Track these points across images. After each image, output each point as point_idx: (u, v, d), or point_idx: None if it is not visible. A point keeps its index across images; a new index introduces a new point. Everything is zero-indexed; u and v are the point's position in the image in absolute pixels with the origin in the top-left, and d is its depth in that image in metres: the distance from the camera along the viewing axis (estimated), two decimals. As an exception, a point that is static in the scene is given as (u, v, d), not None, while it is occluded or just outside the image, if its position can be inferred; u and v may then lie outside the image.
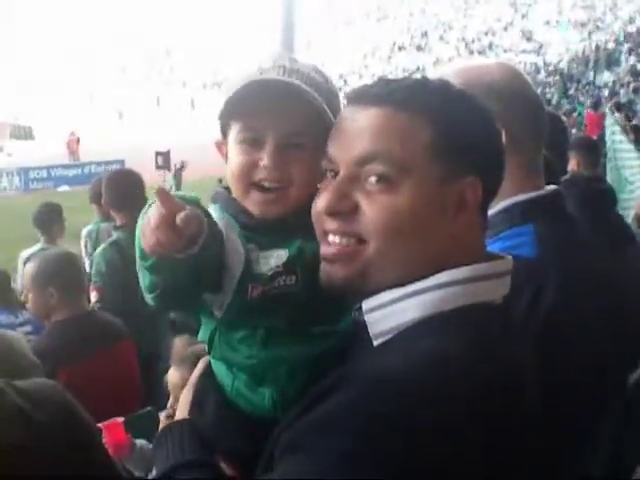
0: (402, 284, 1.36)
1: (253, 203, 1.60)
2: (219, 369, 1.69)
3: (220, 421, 1.64)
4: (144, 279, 1.53)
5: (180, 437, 1.62)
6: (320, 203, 1.42)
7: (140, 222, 1.45)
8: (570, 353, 1.71)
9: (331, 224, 1.41)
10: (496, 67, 2.00)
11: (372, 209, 1.36)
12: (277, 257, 1.56)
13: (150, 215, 1.37)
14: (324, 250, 1.44)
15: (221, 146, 1.70)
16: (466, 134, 1.39)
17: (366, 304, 1.39)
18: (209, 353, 1.69)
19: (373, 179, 1.36)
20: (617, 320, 1.92)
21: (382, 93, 1.41)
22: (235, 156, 1.62)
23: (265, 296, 1.54)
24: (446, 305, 1.33)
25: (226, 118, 1.65)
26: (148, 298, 1.56)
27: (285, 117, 1.57)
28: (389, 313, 1.35)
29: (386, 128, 1.38)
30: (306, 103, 1.56)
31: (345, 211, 1.39)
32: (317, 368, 1.50)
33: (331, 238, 1.42)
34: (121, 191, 5.48)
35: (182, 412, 1.71)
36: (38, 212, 7.35)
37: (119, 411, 3.32)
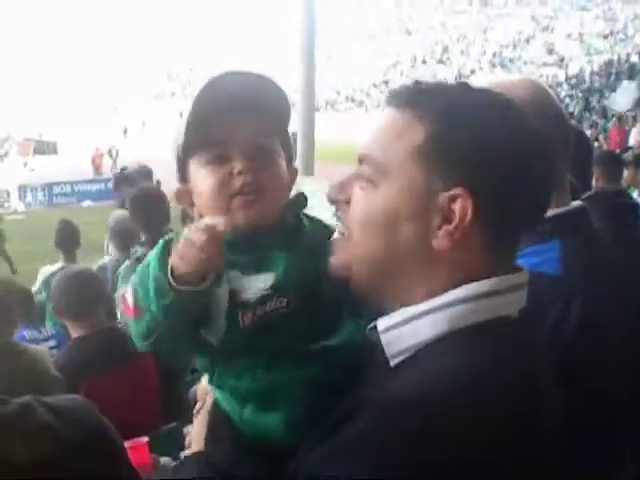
0: (391, 293, 1.38)
1: (237, 210, 1.57)
2: (224, 398, 1.63)
3: (235, 451, 1.58)
4: (139, 325, 1.54)
5: (192, 472, 1.62)
6: (328, 190, 1.48)
7: (173, 251, 1.47)
8: (600, 369, 1.70)
9: (336, 212, 1.48)
10: (520, 83, 2.00)
11: (353, 205, 1.41)
12: (264, 280, 1.53)
13: (194, 236, 1.41)
14: None
15: (183, 193, 1.69)
16: (463, 141, 1.31)
17: (381, 324, 1.37)
18: (210, 383, 1.67)
19: (363, 177, 1.40)
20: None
21: (398, 93, 1.43)
22: (205, 179, 1.59)
23: (259, 321, 1.52)
24: (461, 322, 1.30)
25: (184, 155, 1.65)
26: (142, 346, 1.57)
27: (248, 119, 1.59)
28: (404, 332, 1.33)
29: (384, 128, 1.41)
30: (267, 100, 1.60)
31: (340, 201, 1.46)
32: (326, 385, 1.48)
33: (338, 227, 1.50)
34: (147, 210, 5.58)
35: (197, 443, 1.68)
36: (57, 231, 7.43)
37: (139, 426, 3.33)
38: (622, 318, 1.84)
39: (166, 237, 1.52)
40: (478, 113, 1.34)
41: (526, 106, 1.65)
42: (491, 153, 1.32)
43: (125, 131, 55.66)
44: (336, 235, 1.51)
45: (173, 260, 1.44)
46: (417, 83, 1.44)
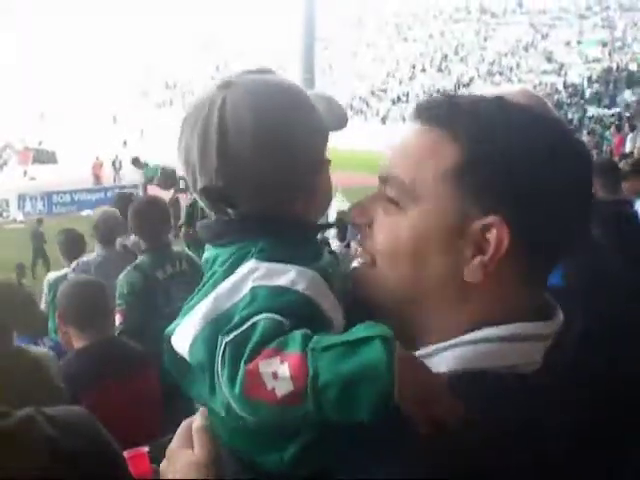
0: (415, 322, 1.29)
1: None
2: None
3: None
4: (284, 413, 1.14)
5: None
6: (349, 213, 1.38)
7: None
8: (602, 385, 1.70)
9: (360, 237, 1.37)
10: (519, 94, 2.00)
11: (376, 230, 1.31)
12: None
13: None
14: None
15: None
16: (502, 165, 1.20)
17: None
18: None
19: (386, 199, 1.30)
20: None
21: (427, 107, 1.31)
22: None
23: None
24: (471, 364, 1.22)
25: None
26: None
27: None
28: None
29: (412, 146, 1.29)
30: None
31: (362, 224, 1.35)
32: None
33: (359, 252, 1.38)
34: (146, 218, 5.61)
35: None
36: (61, 239, 7.45)
37: (139, 437, 3.31)
38: (623, 330, 1.84)
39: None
40: (519, 134, 1.23)
41: None
42: (532, 179, 1.21)
43: (125, 143, 55.64)
44: (358, 262, 1.37)
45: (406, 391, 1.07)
46: (450, 97, 1.32)
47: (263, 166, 1.29)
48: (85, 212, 31.75)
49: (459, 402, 1.08)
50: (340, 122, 1.42)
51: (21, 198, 34.49)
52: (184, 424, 1.43)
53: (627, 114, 36.87)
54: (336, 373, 1.07)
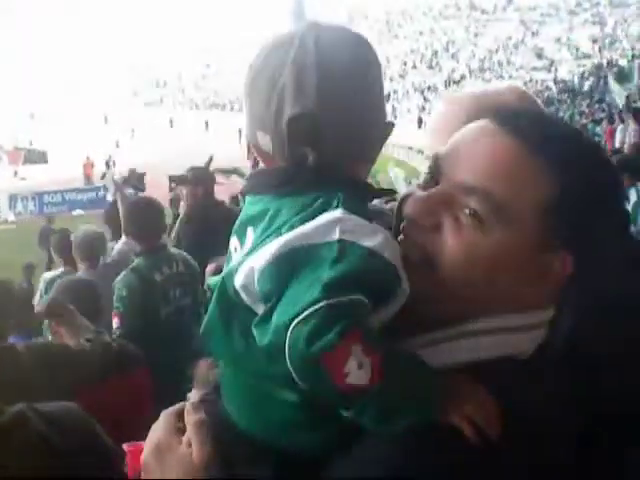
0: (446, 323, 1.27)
1: None
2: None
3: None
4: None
5: None
6: (408, 207, 1.31)
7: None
8: (596, 383, 1.69)
9: (409, 229, 1.31)
10: (508, 91, 2.00)
11: (455, 240, 1.25)
12: None
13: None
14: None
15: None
16: (587, 205, 1.22)
17: (406, 344, 1.27)
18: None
19: (467, 211, 1.24)
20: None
21: (521, 124, 1.27)
22: None
23: None
24: (481, 353, 1.24)
25: None
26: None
27: None
28: (428, 355, 1.22)
29: (507, 165, 1.24)
30: None
31: (427, 227, 1.28)
32: None
33: (403, 243, 1.30)
34: (141, 220, 5.54)
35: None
36: (55, 239, 7.44)
37: (130, 438, 3.31)
38: (613, 329, 1.84)
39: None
40: (597, 174, 1.25)
41: None
42: (602, 219, 1.25)
43: (117, 144, 55.62)
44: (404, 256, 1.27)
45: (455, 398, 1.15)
46: (544, 120, 1.33)
47: (357, 108, 1.27)
48: (76, 212, 31.75)
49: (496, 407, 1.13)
50: None
51: (12, 198, 34.42)
52: (172, 412, 1.39)
53: (618, 109, 36.94)
54: (400, 391, 1.12)
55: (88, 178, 40.70)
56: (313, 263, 1.14)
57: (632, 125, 18.01)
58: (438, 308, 1.26)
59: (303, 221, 1.18)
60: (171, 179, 7.55)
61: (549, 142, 1.24)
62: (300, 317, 1.08)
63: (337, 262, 1.12)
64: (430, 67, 77.42)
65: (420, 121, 51.04)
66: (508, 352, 1.25)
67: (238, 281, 1.22)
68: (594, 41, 65.62)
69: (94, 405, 3.62)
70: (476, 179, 1.24)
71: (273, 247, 1.16)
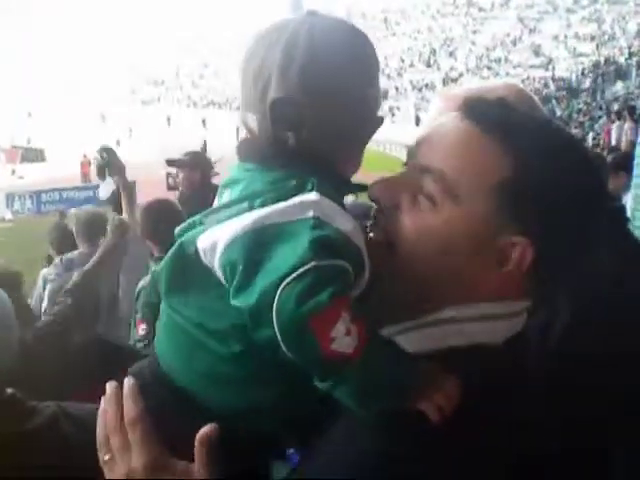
0: (413, 306, 1.28)
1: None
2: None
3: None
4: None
5: None
6: (371, 190, 1.34)
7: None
8: (590, 384, 1.69)
9: (375, 212, 1.34)
10: (504, 87, 2.00)
11: (409, 219, 1.28)
12: None
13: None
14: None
15: None
16: (546, 191, 1.23)
17: (390, 328, 1.30)
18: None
19: (424, 192, 1.27)
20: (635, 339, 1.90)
21: (484, 111, 1.30)
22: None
23: None
24: (448, 342, 1.24)
25: None
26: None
27: None
28: (408, 339, 1.26)
29: (463, 147, 1.27)
30: None
31: (388, 208, 1.31)
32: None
33: (371, 226, 1.34)
34: (158, 222, 5.38)
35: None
36: (52, 235, 7.45)
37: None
38: (610, 321, 1.84)
39: None
40: (556, 163, 1.25)
41: None
42: (567, 210, 1.25)
43: (118, 142, 55.59)
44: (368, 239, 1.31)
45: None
46: (506, 107, 1.32)
47: (342, 98, 1.26)
48: (74, 210, 31.72)
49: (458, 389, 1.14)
50: None
51: (9, 197, 34.40)
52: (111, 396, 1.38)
53: (615, 107, 37.00)
54: (381, 371, 1.12)
55: (85, 176, 40.65)
56: (288, 236, 1.13)
57: (628, 123, 18.00)
58: (401, 288, 1.28)
59: (276, 200, 1.18)
60: (168, 162, 7.51)
61: (507, 126, 1.26)
62: (291, 277, 1.07)
63: (316, 229, 1.12)
64: (428, 65, 77.44)
65: (417, 119, 51.02)
66: (478, 340, 1.25)
67: (201, 243, 1.23)
68: (592, 39, 65.64)
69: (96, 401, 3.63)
70: (431, 159, 1.28)
71: (244, 221, 1.16)
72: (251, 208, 1.19)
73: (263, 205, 1.18)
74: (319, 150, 1.26)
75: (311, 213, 1.14)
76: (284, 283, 1.07)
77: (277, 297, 1.07)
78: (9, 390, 2.09)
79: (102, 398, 1.39)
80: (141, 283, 5.32)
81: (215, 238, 1.20)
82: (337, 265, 1.10)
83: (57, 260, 6.67)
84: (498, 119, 1.28)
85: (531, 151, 1.24)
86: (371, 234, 1.32)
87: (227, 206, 1.25)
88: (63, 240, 7.36)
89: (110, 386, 1.39)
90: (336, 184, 1.26)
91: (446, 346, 1.24)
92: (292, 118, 1.24)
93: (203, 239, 1.23)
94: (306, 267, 1.07)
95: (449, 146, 1.29)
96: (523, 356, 1.31)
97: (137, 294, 5.25)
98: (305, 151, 1.25)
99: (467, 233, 1.24)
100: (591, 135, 30.24)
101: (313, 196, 1.18)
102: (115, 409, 1.34)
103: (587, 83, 50.92)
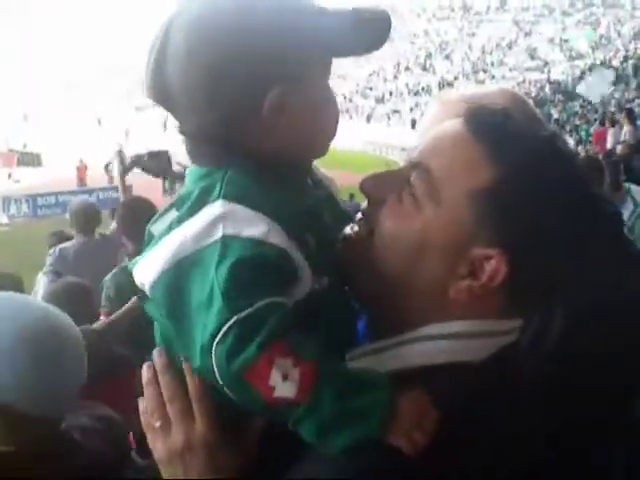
0: (383, 306, 1.29)
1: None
2: None
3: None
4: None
5: None
6: (361, 183, 1.34)
7: None
8: (588, 386, 1.69)
9: (364, 206, 1.35)
10: (499, 93, 2.00)
11: (387, 213, 1.29)
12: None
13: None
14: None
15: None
16: (526, 206, 1.21)
17: (349, 355, 1.27)
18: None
19: (410, 189, 1.27)
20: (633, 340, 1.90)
21: (482, 119, 1.29)
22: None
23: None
24: (429, 360, 1.22)
25: None
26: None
27: None
28: (376, 361, 1.24)
29: (454, 149, 1.27)
30: None
31: (374, 199, 1.33)
32: None
33: (356, 221, 1.35)
34: (135, 220, 5.48)
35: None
36: (51, 241, 7.46)
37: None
38: (603, 333, 1.84)
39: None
40: (544, 181, 1.23)
41: None
42: (544, 229, 1.22)
43: (120, 146, 55.59)
44: (352, 229, 1.34)
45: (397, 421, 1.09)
46: (504, 117, 1.30)
47: (192, 77, 1.21)
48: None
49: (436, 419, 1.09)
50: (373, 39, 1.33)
51: (6, 201, 34.31)
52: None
53: (611, 110, 37.03)
54: (339, 403, 1.08)
55: (81, 181, 40.60)
56: (200, 274, 1.14)
57: (627, 126, 17.98)
58: (375, 281, 1.28)
59: (190, 209, 1.19)
60: (165, 179, 7.60)
61: (498, 136, 1.25)
62: (218, 337, 1.08)
63: (226, 257, 1.12)
64: (424, 68, 77.50)
65: (414, 122, 51.05)
66: (459, 358, 1.22)
67: (136, 277, 1.25)
68: (588, 42, 65.73)
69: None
70: (421, 155, 1.29)
71: (163, 255, 1.18)
72: (179, 220, 1.20)
73: (189, 211, 1.19)
74: (230, 134, 1.23)
75: (219, 233, 1.14)
76: (214, 344, 1.09)
77: (213, 358, 1.09)
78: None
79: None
80: (107, 276, 5.38)
81: (142, 278, 1.22)
82: (259, 308, 1.10)
83: (52, 250, 6.67)
84: (492, 128, 1.27)
85: (517, 163, 1.23)
86: (355, 228, 1.33)
87: (167, 210, 1.27)
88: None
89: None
90: (254, 171, 1.23)
91: (427, 363, 1.22)
92: (186, 104, 1.24)
93: (136, 273, 1.25)
94: (229, 324, 1.08)
95: (439, 146, 1.29)
96: (512, 367, 1.27)
97: (100, 287, 5.31)
98: (216, 139, 1.24)
99: (442, 237, 1.23)
100: (588, 138, 30.24)
101: (218, 207, 1.17)
102: (170, 377, 1.33)
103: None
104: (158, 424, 1.31)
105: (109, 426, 2.15)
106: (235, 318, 1.08)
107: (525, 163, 1.23)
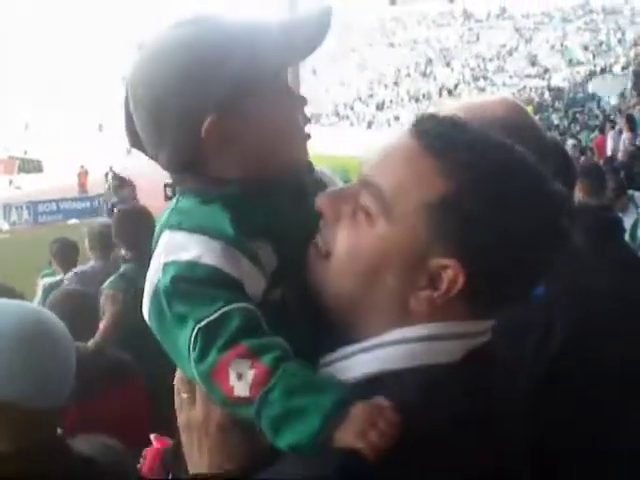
0: (349, 327, 1.30)
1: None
2: None
3: None
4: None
5: None
6: (317, 201, 1.35)
7: None
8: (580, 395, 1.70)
9: (322, 223, 1.36)
10: (499, 103, 2.00)
11: (341, 230, 1.30)
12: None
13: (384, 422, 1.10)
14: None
15: None
16: (477, 217, 1.21)
17: (322, 359, 1.30)
18: None
19: (361, 205, 1.28)
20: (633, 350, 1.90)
21: (429, 130, 1.29)
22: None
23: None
24: (395, 363, 1.23)
25: None
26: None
27: None
28: (340, 368, 1.26)
29: (402, 163, 1.27)
30: None
31: (328, 218, 1.33)
32: None
33: (316, 238, 1.36)
34: (132, 228, 5.57)
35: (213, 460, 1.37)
36: (53, 248, 7.45)
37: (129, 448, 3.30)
38: (604, 344, 1.84)
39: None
40: (498, 189, 1.23)
41: (504, 127, 1.62)
42: (501, 237, 1.22)
43: (128, 151, 55.52)
44: (312, 247, 1.36)
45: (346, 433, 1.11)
46: (455, 126, 1.30)
47: (143, 118, 1.37)
48: (71, 221, 31.66)
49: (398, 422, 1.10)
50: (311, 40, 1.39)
51: (6, 207, 34.31)
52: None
53: (611, 116, 36.97)
54: (286, 401, 1.14)
55: (82, 187, 40.58)
56: (158, 309, 1.31)
57: (626, 132, 17.96)
58: (335, 300, 1.30)
59: (154, 245, 1.40)
60: (166, 186, 7.61)
61: (448, 146, 1.25)
62: (190, 349, 1.22)
63: (165, 290, 1.29)
64: (424, 75, 77.45)
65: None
66: (429, 361, 1.23)
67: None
68: (587, 48, 65.71)
69: (92, 418, 3.63)
70: (372, 173, 1.30)
71: (145, 292, 1.38)
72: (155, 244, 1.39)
73: (155, 244, 1.40)
74: (197, 168, 1.37)
75: (162, 261, 1.32)
76: (190, 355, 1.23)
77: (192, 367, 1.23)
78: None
79: None
80: (105, 284, 5.43)
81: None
82: (220, 315, 1.22)
83: (71, 274, 6.66)
84: (441, 138, 1.27)
85: (470, 173, 1.23)
86: (315, 246, 1.35)
87: (156, 238, 1.42)
88: (66, 251, 7.37)
89: None
90: (202, 188, 1.35)
91: (395, 368, 1.23)
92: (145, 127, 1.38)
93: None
94: (193, 335, 1.22)
95: (389, 161, 1.30)
96: (485, 368, 1.28)
97: (99, 295, 5.34)
98: (190, 171, 1.38)
99: (399, 251, 1.24)
100: (588, 145, 30.21)
101: (165, 237, 1.35)
102: None
103: (583, 92, 50.96)
104: (185, 395, 1.39)
105: (113, 456, 2.24)
106: (197, 327, 1.22)
107: (477, 173, 1.23)
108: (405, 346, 1.24)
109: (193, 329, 1.22)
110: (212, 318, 1.21)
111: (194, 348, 1.21)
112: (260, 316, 1.24)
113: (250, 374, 1.17)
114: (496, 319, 1.33)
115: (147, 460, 3.03)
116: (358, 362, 1.26)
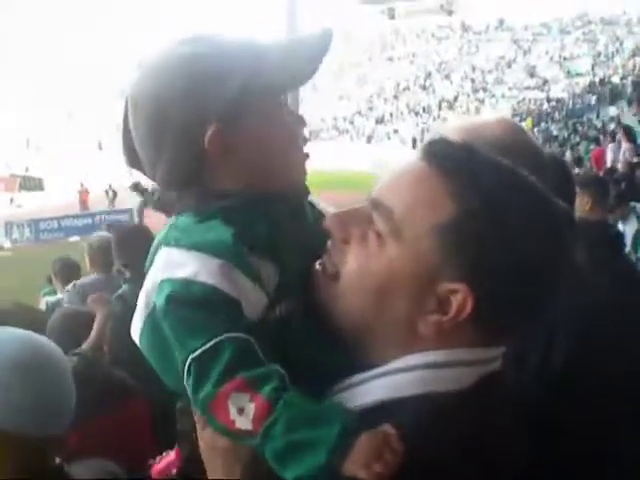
0: (360, 350, 1.30)
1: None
2: None
3: None
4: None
5: None
6: (325, 222, 1.35)
7: None
8: (585, 409, 1.69)
9: (329, 244, 1.35)
10: (496, 123, 2.00)
11: (351, 252, 1.29)
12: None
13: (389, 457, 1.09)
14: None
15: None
16: (489, 241, 1.21)
17: (337, 386, 1.29)
18: None
19: (372, 227, 1.28)
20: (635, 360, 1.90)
21: (440, 151, 1.29)
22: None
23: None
24: (403, 391, 1.23)
25: None
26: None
27: None
28: (348, 396, 1.26)
29: (412, 186, 1.28)
30: None
31: (337, 238, 1.33)
32: None
33: (323, 258, 1.35)
34: (131, 248, 5.51)
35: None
36: (55, 266, 7.46)
37: (131, 469, 3.29)
38: (606, 359, 1.84)
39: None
40: (509, 216, 1.23)
41: (502, 146, 1.62)
42: (509, 260, 1.22)
43: (131, 172, 55.62)
44: (319, 266, 1.35)
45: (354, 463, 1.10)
46: (466, 150, 1.30)
47: (142, 132, 1.37)
48: (72, 238, 31.71)
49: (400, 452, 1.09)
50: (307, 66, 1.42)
51: (8, 225, 34.40)
52: None
53: (611, 127, 37.03)
54: (290, 435, 1.12)
55: (83, 204, 40.67)
56: (152, 326, 1.31)
57: (625, 144, 17.95)
58: (343, 320, 1.29)
59: (149, 264, 1.40)
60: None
61: (459, 169, 1.25)
62: (185, 376, 1.21)
63: (162, 308, 1.26)
64: (424, 88, 77.65)
65: (414, 142, 51.10)
66: (437, 388, 1.23)
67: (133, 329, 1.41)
68: (586, 59, 65.88)
69: (94, 439, 3.61)
70: (383, 195, 1.29)
71: (138, 314, 1.37)
72: (150, 262, 1.40)
73: (149, 263, 1.41)
74: (196, 183, 1.36)
75: (160, 277, 1.30)
76: (185, 381, 1.22)
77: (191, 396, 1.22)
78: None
79: None
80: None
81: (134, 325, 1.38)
82: (212, 345, 1.20)
83: (70, 286, 6.64)
84: (453, 161, 1.27)
85: (479, 196, 1.23)
86: (322, 266, 1.34)
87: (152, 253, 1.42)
88: (68, 270, 7.37)
89: None
90: (198, 204, 1.35)
91: (403, 396, 1.23)
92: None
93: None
94: (187, 363, 1.21)
95: (400, 184, 1.30)
96: (493, 396, 1.28)
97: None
98: (188, 187, 1.37)
99: (408, 274, 1.24)
100: (587, 156, 30.26)
101: (163, 254, 1.35)
102: None
103: (582, 104, 51.07)
104: (197, 417, 1.36)
105: None
106: (191, 357, 1.20)
107: (486, 196, 1.23)
108: (413, 373, 1.24)
109: (187, 358, 1.21)
110: (205, 348, 1.19)
111: (188, 377, 1.20)
112: (254, 343, 1.21)
113: (251, 407, 1.15)
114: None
115: (161, 464, 3.04)
116: (366, 390, 1.26)
